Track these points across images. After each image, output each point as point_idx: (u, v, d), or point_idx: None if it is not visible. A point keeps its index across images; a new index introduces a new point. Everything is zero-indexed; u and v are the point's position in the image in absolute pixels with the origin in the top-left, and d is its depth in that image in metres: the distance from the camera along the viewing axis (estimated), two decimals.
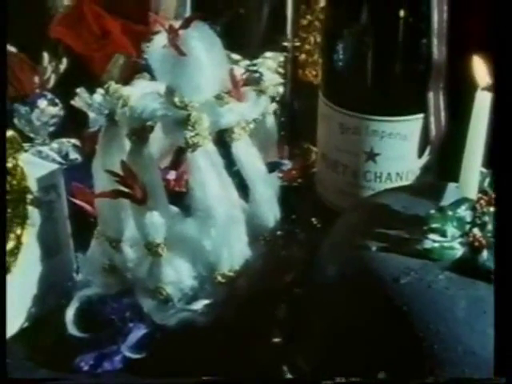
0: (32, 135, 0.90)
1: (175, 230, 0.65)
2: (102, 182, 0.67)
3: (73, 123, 0.91)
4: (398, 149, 0.75)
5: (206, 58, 0.62)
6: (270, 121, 0.70)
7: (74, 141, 0.92)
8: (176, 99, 0.62)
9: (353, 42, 0.76)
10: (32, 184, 0.67)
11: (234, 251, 0.65)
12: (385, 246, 0.59)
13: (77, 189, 0.76)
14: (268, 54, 1.19)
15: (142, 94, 0.63)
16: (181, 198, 0.69)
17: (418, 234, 0.58)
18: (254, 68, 1.21)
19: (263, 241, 0.69)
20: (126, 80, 0.70)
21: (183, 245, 0.65)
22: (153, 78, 0.67)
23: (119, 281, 0.70)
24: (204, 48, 0.62)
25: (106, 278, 0.71)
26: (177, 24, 0.62)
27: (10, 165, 0.64)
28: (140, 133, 0.63)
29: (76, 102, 0.90)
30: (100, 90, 0.89)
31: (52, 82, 0.96)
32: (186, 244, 0.65)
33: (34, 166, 0.69)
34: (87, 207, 0.74)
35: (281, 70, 1.17)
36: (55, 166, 0.71)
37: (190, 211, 0.65)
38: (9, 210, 0.63)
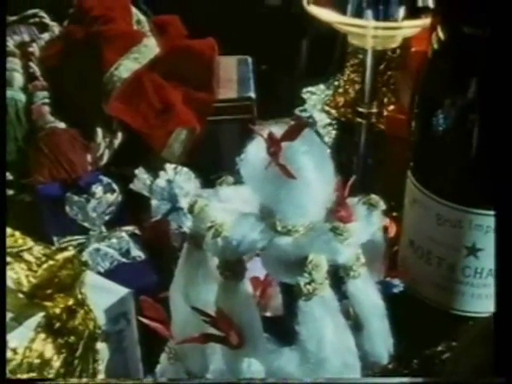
0: (86, 224, 0.78)
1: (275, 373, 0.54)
2: (182, 315, 0.56)
3: (132, 210, 0.80)
4: None
5: (316, 177, 0.50)
6: (379, 236, 0.58)
7: (132, 228, 0.80)
8: (277, 223, 0.51)
9: (456, 119, 0.64)
10: (100, 317, 0.56)
11: None
12: None
13: (146, 304, 0.64)
14: (311, 89, 1.10)
15: (236, 220, 0.52)
16: (274, 324, 0.59)
17: None
18: (307, 114, 1.12)
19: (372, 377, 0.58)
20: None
21: None
22: (237, 181, 0.57)
23: None
24: (314, 166, 0.50)
25: None
26: (278, 132, 0.50)
27: (72, 302, 0.53)
28: (235, 267, 0.52)
29: (135, 186, 0.79)
30: (164, 175, 0.78)
31: (105, 159, 0.85)
32: None
33: (99, 291, 0.58)
34: (160, 329, 0.62)
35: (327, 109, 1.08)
36: (125, 291, 0.60)
37: (287, 340, 0.54)
38: (75, 362, 0.52)
